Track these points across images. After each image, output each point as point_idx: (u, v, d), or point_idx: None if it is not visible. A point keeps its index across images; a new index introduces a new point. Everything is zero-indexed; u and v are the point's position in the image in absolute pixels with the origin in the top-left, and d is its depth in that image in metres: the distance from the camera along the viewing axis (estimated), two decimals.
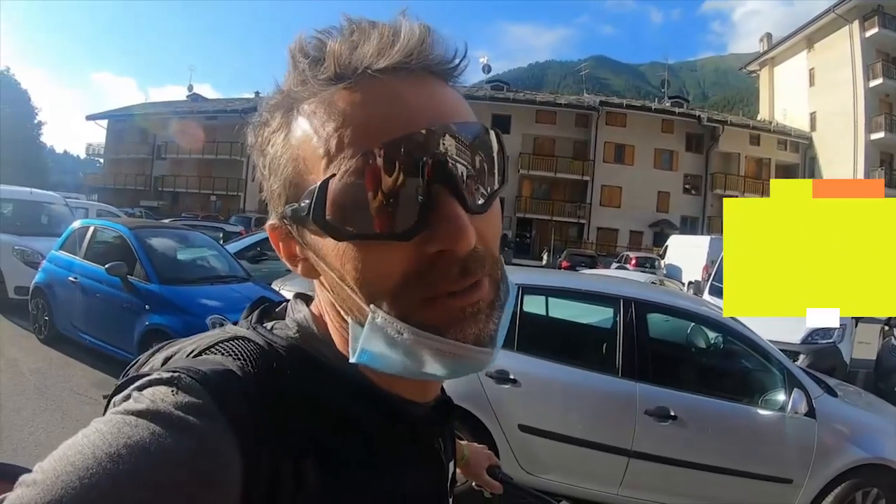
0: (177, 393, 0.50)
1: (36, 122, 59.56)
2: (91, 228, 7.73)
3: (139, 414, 0.48)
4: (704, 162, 41.98)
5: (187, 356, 0.60)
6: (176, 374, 0.52)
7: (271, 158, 0.60)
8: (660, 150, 42.16)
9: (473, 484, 1.37)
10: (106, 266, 6.43)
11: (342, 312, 0.62)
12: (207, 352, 0.60)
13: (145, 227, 7.93)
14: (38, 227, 10.83)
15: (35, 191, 12.32)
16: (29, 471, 0.45)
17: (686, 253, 19.11)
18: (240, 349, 0.60)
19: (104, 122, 56.80)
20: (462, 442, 1.34)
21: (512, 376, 4.08)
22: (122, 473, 0.43)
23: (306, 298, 0.72)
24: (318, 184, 0.53)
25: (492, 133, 0.59)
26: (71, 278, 7.21)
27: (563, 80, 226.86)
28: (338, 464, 0.57)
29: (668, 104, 45.97)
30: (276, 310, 0.73)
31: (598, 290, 4.67)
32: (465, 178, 0.54)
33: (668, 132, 42.30)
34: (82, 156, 76.80)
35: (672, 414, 3.79)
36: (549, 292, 4.90)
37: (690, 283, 15.81)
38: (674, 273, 19.32)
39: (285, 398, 0.56)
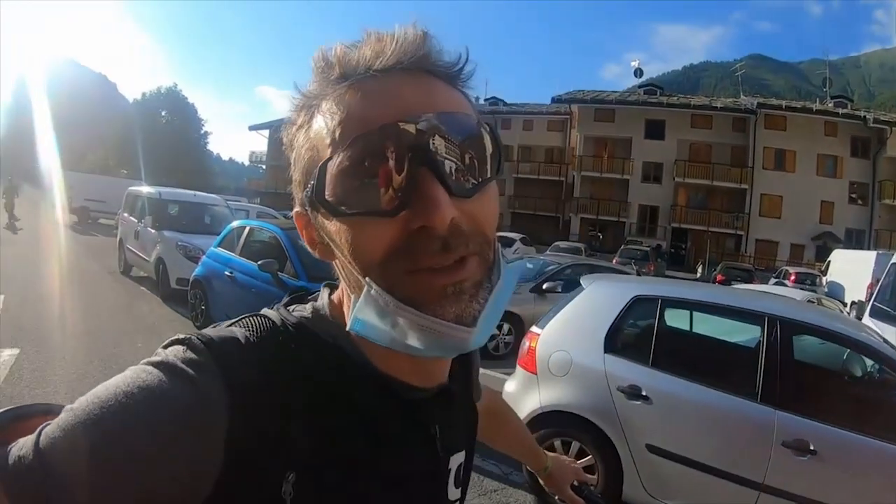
0: (186, 351, 0.60)
1: (202, 132, 64.95)
2: (247, 228, 8.30)
3: (155, 365, 0.59)
4: (872, 168, 38.46)
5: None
6: (189, 337, 0.62)
7: (295, 151, 0.67)
8: (822, 155, 39.12)
9: (557, 498, 1.37)
10: (259, 262, 6.82)
11: (349, 290, 0.68)
12: (234, 325, 0.68)
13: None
14: (201, 225, 11.85)
15: (199, 193, 13.70)
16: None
17: (850, 269, 17.60)
18: (253, 323, 0.68)
19: (265, 132, 61.19)
20: (550, 454, 1.39)
21: (644, 393, 3.96)
22: (131, 406, 0.55)
23: (332, 287, 0.78)
24: (319, 166, 0.60)
25: (484, 125, 0.63)
26: (227, 272, 7.75)
27: (720, 81, 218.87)
28: (323, 431, 0.62)
29: (830, 105, 42.67)
30: (308, 298, 0.80)
31: (742, 306, 4.37)
32: (449, 163, 0.59)
33: (832, 135, 39.14)
34: (246, 163, 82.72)
35: (812, 448, 3.47)
36: (689, 306, 4.70)
37: (853, 303, 14.66)
38: (836, 291, 17.92)
39: (283, 367, 0.63)
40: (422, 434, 0.74)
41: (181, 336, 0.63)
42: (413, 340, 0.59)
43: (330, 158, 0.59)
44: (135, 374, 0.58)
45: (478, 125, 0.63)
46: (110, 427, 0.53)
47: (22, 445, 0.55)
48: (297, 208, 0.70)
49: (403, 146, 0.57)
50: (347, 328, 0.64)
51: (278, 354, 0.64)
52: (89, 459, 0.52)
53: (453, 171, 0.59)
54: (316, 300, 0.77)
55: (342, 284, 0.72)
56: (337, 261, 0.68)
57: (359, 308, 0.61)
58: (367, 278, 0.60)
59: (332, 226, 0.62)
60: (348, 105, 0.61)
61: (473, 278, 0.60)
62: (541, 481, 1.39)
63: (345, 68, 0.64)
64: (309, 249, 0.72)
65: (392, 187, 0.57)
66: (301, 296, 0.81)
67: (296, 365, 0.64)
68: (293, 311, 0.73)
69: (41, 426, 0.56)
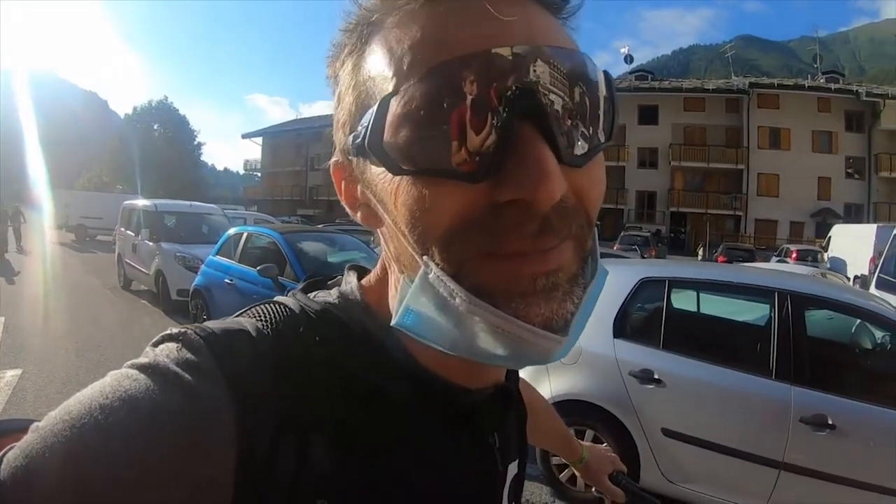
0: (181, 349, 0.48)
1: (196, 143, 65.29)
2: (245, 234, 8.27)
3: (141, 368, 0.47)
4: (867, 142, 38.62)
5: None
6: (184, 331, 0.50)
7: (342, 84, 0.53)
8: (817, 131, 39.31)
9: (594, 490, 1.25)
10: (258, 268, 6.79)
11: (398, 269, 0.54)
12: (242, 315, 0.58)
13: (295, 231, 8.33)
14: (198, 236, 11.81)
15: (195, 203, 13.87)
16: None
17: (851, 244, 17.66)
18: (267, 312, 0.57)
19: (259, 140, 62.11)
20: (584, 443, 1.25)
21: (657, 376, 3.89)
22: (111, 426, 0.43)
23: (360, 270, 0.66)
24: (378, 102, 0.45)
25: (601, 71, 0.48)
26: (227, 280, 7.71)
27: (710, 64, 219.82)
28: (360, 446, 0.51)
29: (822, 80, 43.04)
30: (329, 283, 0.68)
31: (751, 283, 4.31)
32: (559, 116, 0.44)
33: (825, 111, 39.39)
34: (241, 172, 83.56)
35: (830, 422, 3.39)
36: (697, 286, 4.62)
37: (856, 276, 14.63)
38: (838, 266, 17.93)
39: (305, 365, 0.52)
40: (478, 445, 0.62)
41: (174, 330, 0.51)
42: (484, 345, 0.46)
43: (395, 93, 0.44)
44: (116, 381, 0.46)
45: (592, 66, 0.47)
46: (82, 452, 0.42)
47: None
48: (335, 157, 0.57)
49: (502, 86, 0.42)
50: (393, 322, 0.50)
51: (299, 350, 0.52)
52: (57, 494, 0.41)
53: (563, 129, 0.44)
54: (340, 284, 0.65)
55: (383, 264, 0.60)
56: (384, 228, 0.53)
57: (412, 296, 0.48)
58: (424, 257, 0.47)
59: (386, 183, 0.48)
60: (424, 23, 0.46)
61: (569, 269, 0.47)
62: (576, 472, 1.26)
63: None
64: (349, 211, 0.58)
65: (481, 142, 0.42)
66: (320, 280, 0.68)
67: (322, 362, 0.52)
68: (314, 297, 0.61)
69: (5, 450, 0.44)
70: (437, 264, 0.46)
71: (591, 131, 0.47)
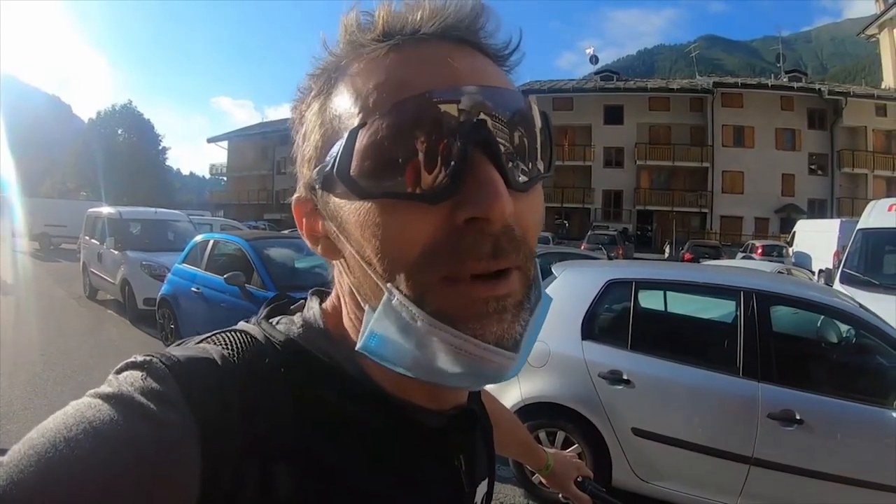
0: (145, 378, 0.49)
1: (160, 147, 64.40)
2: (211, 242, 8.11)
3: (105, 398, 0.47)
4: (829, 139, 39.22)
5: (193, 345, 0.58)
6: (149, 359, 0.50)
7: (308, 124, 0.57)
8: (781, 129, 39.92)
9: (560, 496, 1.27)
10: (225, 276, 6.68)
11: (360, 299, 0.56)
12: (205, 341, 0.57)
13: (262, 238, 8.19)
14: (164, 243, 11.67)
15: (160, 210, 13.70)
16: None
17: (815, 239, 17.89)
18: (232, 340, 0.57)
19: (224, 143, 61.59)
20: (549, 450, 1.28)
21: (625, 377, 3.92)
22: (77, 459, 0.42)
23: (322, 295, 0.67)
24: (347, 133, 0.50)
25: (536, 109, 0.54)
26: (194, 289, 7.58)
27: (675, 64, 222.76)
28: (328, 476, 0.52)
29: (785, 79, 43.57)
30: (292, 307, 0.70)
31: (717, 282, 4.38)
32: (505, 147, 0.50)
33: (788, 109, 39.98)
34: (207, 176, 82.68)
35: (798, 418, 3.46)
36: (663, 286, 4.69)
37: (821, 271, 14.80)
38: (803, 261, 18.19)
39: (271, 395, 0.53)
40: (445, 469, 0.64)
41: (139, 358, 0.51)
42: (442, 364, 0.50)
43: (362, 125, 0.49)
44: (78, 411, 0.46)
45: (529, 107, 0.53)
46: (49, 486, 0.41)
47: None
48: (298, 193, 0.60)
49: (457, 120, 0.48)
50: (358, 346, 0.53)
51: (265, 379, 0.53)
52: None
53: (509, 158, 0.50)
54: (303, 310, 0.66)
55: (341, 287, 0.61)
56: (342, 261, 0.57)
57: (376, 320, 0.51)
58: (389, 284, 0.50)
59: (352, 213, 0.51)
60: (388, 67, 0.52)
61: (516, 296, 0.51)
62: (542, 480, 1.28)
63: (389, 27, 0.54)
64: (309, 245, 0.61)
65: (439, 167, 0.47)
66: (282, 304, 0.70)
67: (287, 390, 0.53)
68: (277, 324, 0.63)
69: None
70: (401, 291, 0.50)
71: (531, 163, 0.53)
